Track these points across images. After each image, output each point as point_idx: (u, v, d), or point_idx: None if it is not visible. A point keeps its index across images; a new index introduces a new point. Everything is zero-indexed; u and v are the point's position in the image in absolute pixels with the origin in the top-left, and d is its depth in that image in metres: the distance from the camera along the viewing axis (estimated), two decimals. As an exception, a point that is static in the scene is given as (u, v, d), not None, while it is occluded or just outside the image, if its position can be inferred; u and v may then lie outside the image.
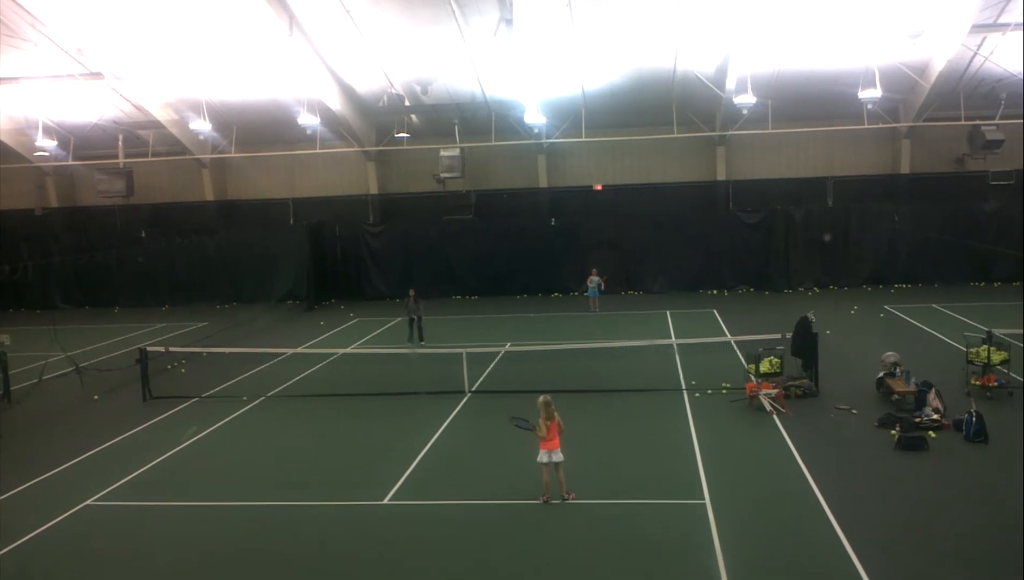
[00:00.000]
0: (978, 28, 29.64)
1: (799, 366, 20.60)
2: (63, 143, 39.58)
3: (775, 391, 18.85)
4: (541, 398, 13.96)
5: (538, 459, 13.78)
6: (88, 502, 14.86)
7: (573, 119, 37.34)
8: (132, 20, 30.96)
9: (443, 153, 38.60)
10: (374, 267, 40.78)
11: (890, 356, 19.56)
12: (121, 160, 40.02)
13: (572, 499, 13.84)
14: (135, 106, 36.87)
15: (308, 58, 32.68)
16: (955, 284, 36.18)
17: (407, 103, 36.07)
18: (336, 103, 35.83)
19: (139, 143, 39.96)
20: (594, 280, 33.96)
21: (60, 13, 30.70)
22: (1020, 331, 21.71)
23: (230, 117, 38.47)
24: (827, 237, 37.12)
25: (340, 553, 12.53)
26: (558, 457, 13.73)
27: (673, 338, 27.56)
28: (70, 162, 40.75)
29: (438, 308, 35.66)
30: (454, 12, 29.16)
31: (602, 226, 38.93)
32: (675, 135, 37.32)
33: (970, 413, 16.18)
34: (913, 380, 18.57)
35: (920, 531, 12.31)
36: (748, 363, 19.90)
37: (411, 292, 28.90)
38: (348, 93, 36.74)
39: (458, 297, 39.20)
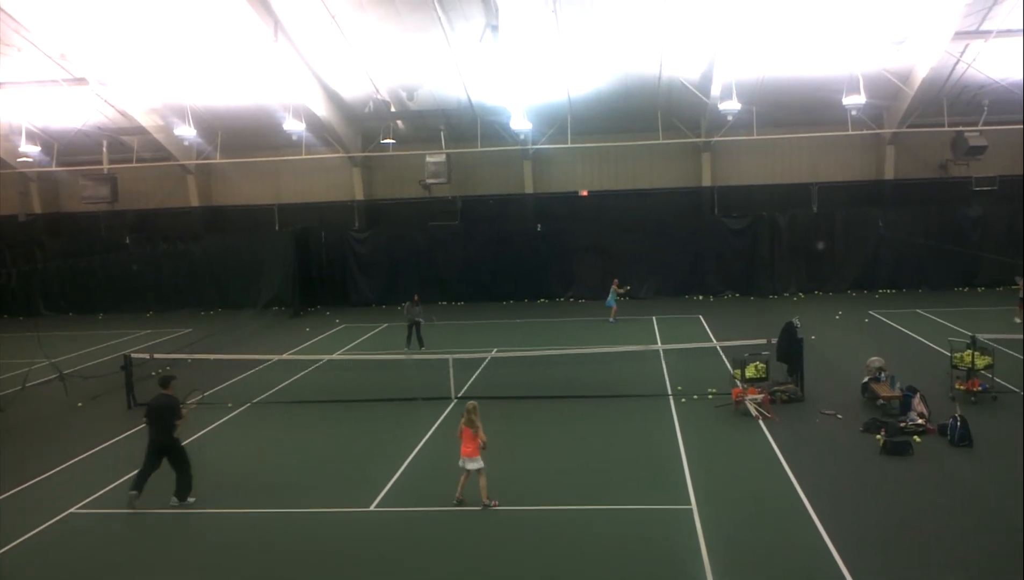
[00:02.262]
0: (961, 35, 29.90)
1: (784, 371, 20.69)
2: (47, 149, 39.36)
3: (761, 396, 18.91)
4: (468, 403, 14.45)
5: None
6: (72, 510, 14.77)
7: (559, 125, 37.42)
8: (116, 25, 30.86)
9: (429, 159, 38.58)
10: (360, 273, 40.74)
11: (875, 361, 19.65)
12: (105, 166, 39.84)
13: (495, 506, 13.91)
14: (119, 112, 36.76)
15: (293, 64, 32.62)
16: (939, 289, 36.41)
17: (393, 109, 36.01)
18: (322, 109, 35.79)
19: (123, 149, 39.79)
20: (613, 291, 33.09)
21: (44, 19, 30.56)
22: (1004, 336, 21.84)
23: (215, 123, 38.36)
24: (820, 245, 37.32)
25: (327, 560, 12.46)
26: (472, 465, 13.92)
27: (659, 343, 27.62)
28: (54, 168, 40.45)
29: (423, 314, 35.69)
30: (440, 18, 29.16)
31: (588, 232, 39.00)
32: (660, 141, 37.41)
33: (955, 418, 16.26)
34: (898, 385, 18.67)
35: (905, 535, 12.35)
36: (734, 368, 19.96)
37: (415, 297, 29.00)
38: (334, 99, 36.71)
39: (444, 303, 39.11)
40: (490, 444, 14.11)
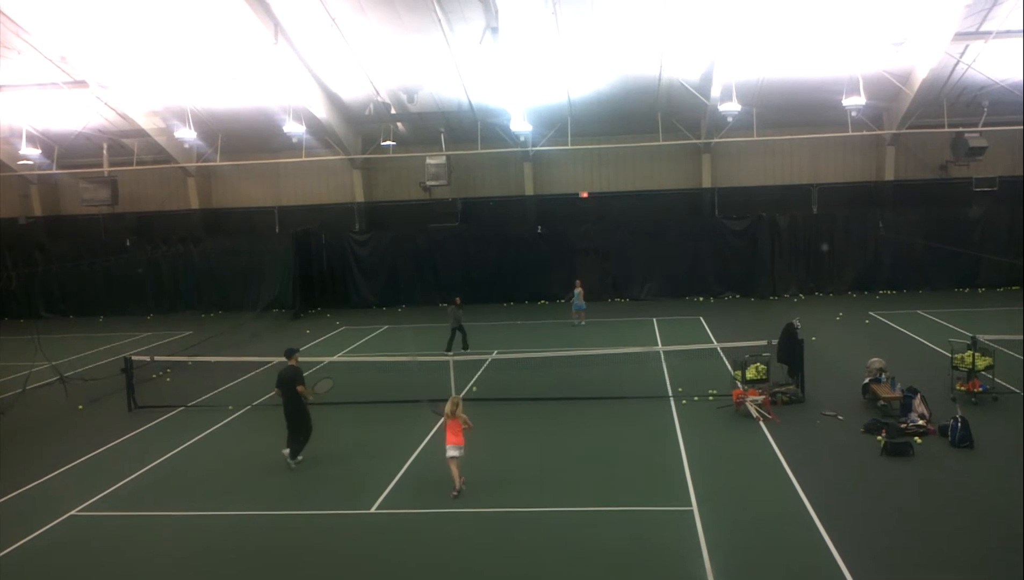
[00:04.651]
0: (961, 36, 29.89)
1: (785, 373, 20.67)
2: (47, 152, 39.41)
3: (762, 398, 18.89)
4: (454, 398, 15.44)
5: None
6: (73, 512, 14.77)
7: (559, 127, 37.44)
8: (117, 28, 30.88)
9: (429, 161, 38.62)
10: (360, 275, 40.73)
11: (875, 362, 19.65)
12: (106, 169, 39.77)
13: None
14: (120, 114, 36.77)
15: (293, 66, 32.64)
16: (940, 290, 36.38)
17: (393, 111, 36.02)
18: (322, 111, 35.80)
19: (124, 152, 39.77)
20: (577, 292, 32.58)
21: (44, 21, 30.58)
22: (1005, 337, 21.83)
23: (215, 125, 38.38)
24: (824, 247, 37.32)
25: (327, 563, 12.47)
26: (460, 451, 14.84)
27: (660, 345, 27.61)
28: (54, 171, 40.55)
29: (424, 316, 35.76)
30: (440, 20, 29.17)
31: (588, 233, 39.04)
32: (661, 142, 37.43)
33: (956, 419, 16.25)
34: (899, 386, 18.64)
35: (906, 536, 12.35)
36: (735, 370, 19.97)
37: (456, 300, 28.77)
38: (334, 101, 36.73)
39: (444, 305, 38.93)
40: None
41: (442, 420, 15.40)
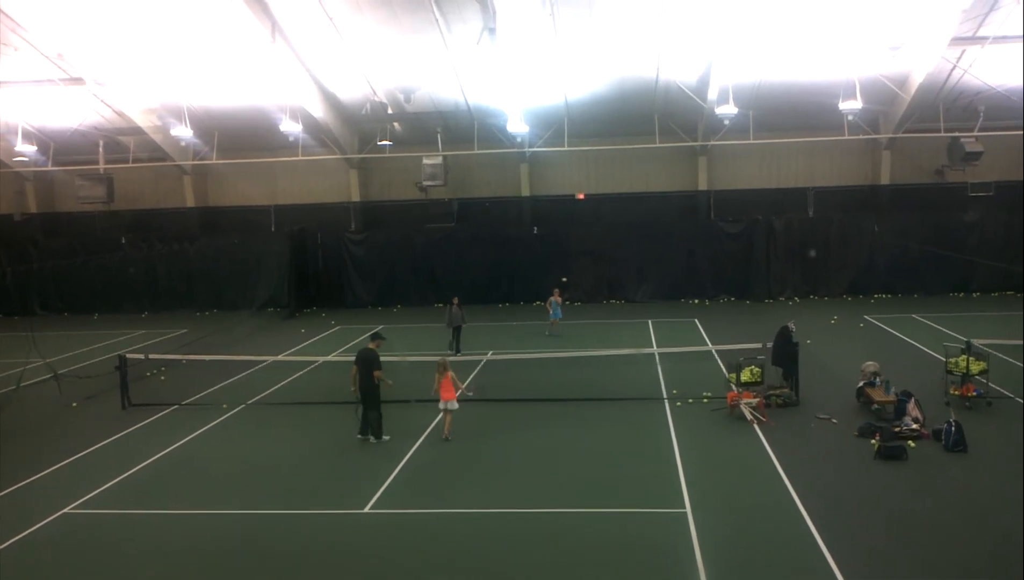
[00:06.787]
0: (957, 41, 29.96)
1: (780, 375, 20.67)
2: (43, 148, 39.32)
3: (756, 400, 18.90)
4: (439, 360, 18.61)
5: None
6: (66, 510, 14.74)
7: (556, 128, 37.43)
8: (114, 25, 30.84)
9: (426, 161, 38.58)
10: (356, 275, 40.69)
11: (870, 366, 19.68)
12: (102, 166, 39.77)
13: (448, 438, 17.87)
14: (116, 112, 36.69)
15: (290, 65, 32.60)
16: (935, 294, 36.47)
17: (390, 111, 36.02)
18: (318, 110, 35.76)
19: (120, 149, 39.71)
20: (554, 301, 31.04)
21: (41, 18, 30.54)
22: (999, 341, 21.89)
23: (212, 123, 38.30)
24: (812, 253, 37.36)
25: (320, 562, 12.44)
26: (453, 405, 18.01)
27: (655, 347, 27.60)
28: (50, 167, 40.47)
29: (419, 316, 35.75)
30: (437, 20, 29.18)
31: (584, 235, 39.10)
32: (657, 145, 37.46)
33: (949, 423, 16.28)
34: (893, 390, 18.66)
35: (899, 539, 12.36)
36: (729, 372, 19.97)
37: (455, 300, 28.64)
38: (331, 100, 36.69)
39: (440, 305, 38.90)
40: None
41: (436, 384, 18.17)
